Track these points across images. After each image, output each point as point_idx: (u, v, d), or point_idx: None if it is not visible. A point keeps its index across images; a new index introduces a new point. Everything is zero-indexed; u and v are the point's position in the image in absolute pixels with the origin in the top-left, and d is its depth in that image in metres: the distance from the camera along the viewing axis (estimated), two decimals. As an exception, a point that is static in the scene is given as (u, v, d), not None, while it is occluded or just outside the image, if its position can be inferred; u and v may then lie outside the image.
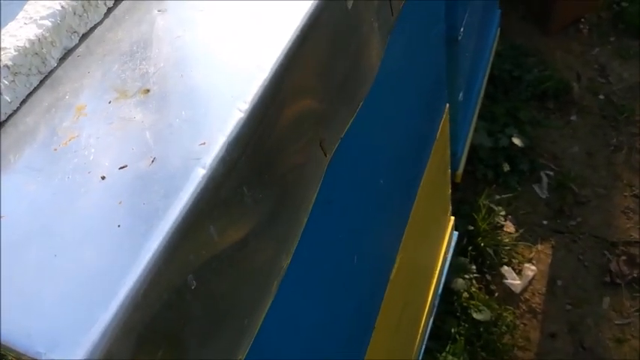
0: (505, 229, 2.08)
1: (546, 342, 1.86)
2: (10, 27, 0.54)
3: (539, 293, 1.95)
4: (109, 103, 0.52)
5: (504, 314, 1.89)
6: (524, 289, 1.96)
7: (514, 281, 1.96)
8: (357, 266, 0.93)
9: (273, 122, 0.53)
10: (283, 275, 0.59)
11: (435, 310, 1.65)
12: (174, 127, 0.49)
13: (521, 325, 1.89)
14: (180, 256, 0.43)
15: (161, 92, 0.52)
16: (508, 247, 2.03)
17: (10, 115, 0.53)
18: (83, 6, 0.58)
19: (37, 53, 0.54)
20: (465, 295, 1.91)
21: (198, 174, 0.45)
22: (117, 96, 0.52)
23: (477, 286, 1.95)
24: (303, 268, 0.67)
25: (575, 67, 2.51)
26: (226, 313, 0.50)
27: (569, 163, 2.23)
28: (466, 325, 1.85)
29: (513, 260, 2.02)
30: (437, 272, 1.64)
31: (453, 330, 1.83)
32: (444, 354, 1.79)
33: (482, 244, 2.00)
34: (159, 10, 0.61)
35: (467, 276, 1.94)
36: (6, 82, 0.51)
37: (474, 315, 1.86)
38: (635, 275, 1.95)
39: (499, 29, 2.25)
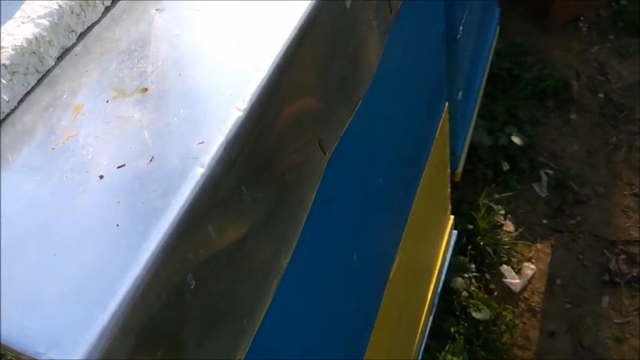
0: (504, 228, 2.08)
1: (546, 341, 1.86)
2: (8, 26, 0.54)
3: (538, 292, 1.95)
4: (107, 102, 0.52)
5: (504, 313, 1.89)
6: (524, 288, 1.96)
7: (513, 280, 1.96)
8: (357, 265, 0.93)
9: (271, 121, 0.53)
10: (282, 274, 0.59)
11: (434, 309, 1.65)
12: (173, 126, 0.49)
13: (521, 324, 1.89)
14: (178, 256, 0.43)
15: (159, 91, 0.52)
16: (507, 246, 2.03)
17: (8, 115, 0.52)
18: (81, 5, 0.58)
19: (34, 52, 0.53)
20: (465, 294, 1.91)
21: (197, 173, 0.45)
22: (115, 95, 0.52)
23: (476, 285, 1.95)
24: (303, 268, 0.67)
25: (575, 65, 2.51)
26: (225, 312, 0.50)
27: (569, 162, 2.23)
28: (465, 324, 1.85)
29: (513, 259, 2.02)
30: (436, 271, 1.64)
31: (452, 329, 1.83)
32: (443, 353, 1.79)
33: (481, 243, 2.00)
34: (157, 9, 0.60)
35: (466, 275, 1.94)
36: (4, 81, 0.51)
37: (474, 314, 1.86)
38: (635, 274, 1.95)
39: (498, 28, 2.25)
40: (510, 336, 1.86)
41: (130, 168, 0.46)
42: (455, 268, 1.90)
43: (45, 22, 0.54)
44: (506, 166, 2.18)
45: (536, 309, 1.92)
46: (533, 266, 1.99)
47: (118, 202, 0.44)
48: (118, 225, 0.43)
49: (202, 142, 0.47)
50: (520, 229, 2.07)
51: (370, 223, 0.99)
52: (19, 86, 0.53)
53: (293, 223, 0.61)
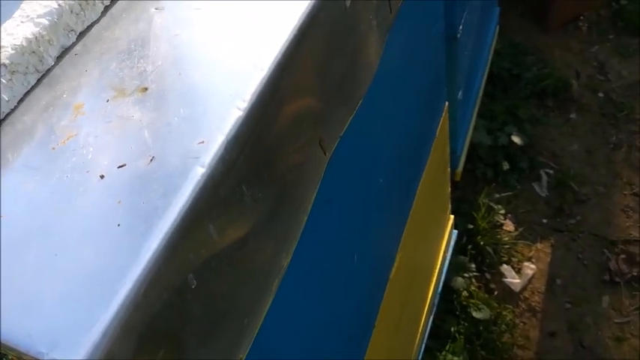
0: (505, 227, 2.08)
1: (546, 341, 1.86)
2: (8, 25, 0.53)
3: (538, 292, 1.95)
4: (107, 101, 0.51)
5: (504, 313, 1.89)
6: (524, 288, 1.96)
7: (513, 280, 1.96)
8: (357, 265, 0.93)
9: (271, 121, 0.53)
10: (283, 275, 0.59)
11: (434, 308, 1.65)
12: (173, 125, 0.49)
13: (521, 324, 1.89)
14: (180, 256, 0.43)
15: (159, 91, 0.52)
16: (508, 246, 2.03)
17: (8, 114, 0.52)
18: (80, 4, 0.58)
19: (34, 51, 0.53)
20: (465, 293, 1.91)
21: (198, 173, 0.45)
22: (115, 94, 0.52)
23: (476, 284, 1.95)
24: (303, 268, 0.67)
25: (575, 64, 2.51)
26: (226, 312, 0.50)
27: (569, 162, 2.23)
28: (466, 324, 1.85)
29: (513, 259, 2.02)
30: (436, 271, 1.64)
31: (452, 329, 1.83)
32: (443, 353, 1.79)
33: (481, 243, 2.00)
34: (156, 9, 0.60)
35: (466, 275, 1.94)
36: (3, 81, 0.51)
37: (474, 314, 1.86)
38: (635, 274, 1.95)
39: (498, 27, 2.25)
40: (510, 336, 1.86)
41: (130, 168, 0.46)
42: (455, 268, 1.90)
43: (44, 21, 0.54)
44: (506, 166, 2.18)
45: (537, 309, 1.92)
46: (533, 266, 1.99)
47: (119, 202, 0.44)
48: (119, 225, 0.42)
49: (203, 142, 0.47)
50: (520, 229, 2.07)
51: (371, 223, 0.99)
52: (18, 86, 0.53)
53: (293, 223, 0.61)
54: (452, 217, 1.74)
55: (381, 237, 1.08)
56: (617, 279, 1.95)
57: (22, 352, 0.38)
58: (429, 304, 1.59)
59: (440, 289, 1.68)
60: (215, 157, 0.46)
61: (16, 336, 0.39)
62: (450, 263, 1.75)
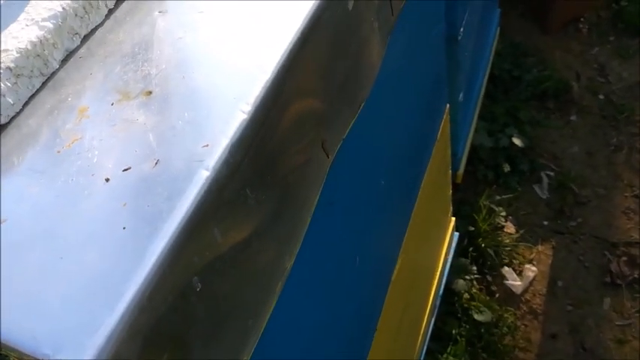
0: (505, 229, 2.08)
1: (547, 343, 1.86)
2: (12, 28, 0.54)
3: (539, 294, 1.95)
4: (112, 104, 0.52)
5: (505, 315, 1.89)
6: (525, 290, 1.96)
7: (515, 282, 1.96)
8: (359, 267, 0.93)
9: (275, 124, 0.53)
10: (287, 277, 0.59)
11: (436, 311, 1.65)
12: (177, 129, 0.49)
13: (522, 326, 1.89)
14: (184, 258, 0.43)
15: (163, 94, 0.52)
16: (509, 248, 2.03)
17: (13, 117, 0.53)
18: (84, 7, 0.58)
19: (38, 55, 0.54)
20: (466, 296, 1.91)
21: (202, 176, 0.45)
22: (119, 98, 0.52)
23: (477, 287, 1.95)
24: (306, 270, 0.67)
25: (575, 66, 2.51)
26: (231, 314, 0.50)
27: (570, 163, 2.23)
28: (467, 327, 1.85)
29: (514, 261, 2.02)
30: (438, 273, 1.64)
31: (454, 331, 1.83)
32: (445, 355, 1.79)
33: (482, 245, 2.00)
34: (160, 12, 0.60)
35: (467, 277, 1.94)
36: (8, 84, 0.51)
37: (475, 316, 1.86)
38: (636, 276, 1.95)
39: (499, 28, 2.25)
40: (512, 338, 1.86)
41: (135, 171, 0.46)
42: (456, 270, 1.90)
43: (49, 24, 0.54)
44: (507, 168, 2.18)
45: (538, 311, 1.92)
46: (534, 268, 1.99)
47: (124, 205, 0.44)
48: (124, 228, 0.43)
49: (207, 145, 0.47)
50: (521, 231, 2.07)
51: (373, 225, 0.99)
52: (23, 89, 0.53)
53: (297, 226, 0.61)
54: (453, 219, 1.74)
55: (382, 239, 1.08)
56: (618, 281, 1.95)
57: (27, 353, 0.38)
58: (431, 307, 1.59)
59: (441, 291, 1.68)
60: (219, 161, 0.46)
61: (21, 338, 0.39)
62: (451, 265, 1.75)
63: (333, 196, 0.71)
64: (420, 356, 1.55)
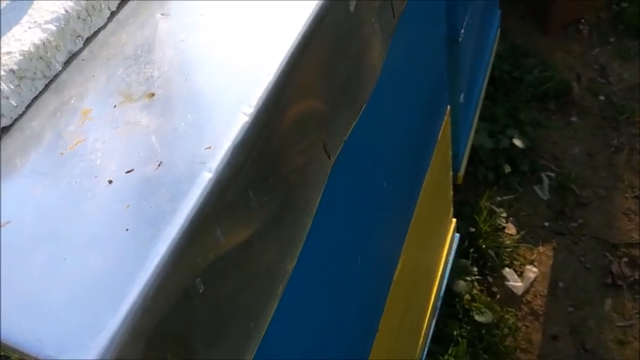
0: (506, 230, 2.08)
1: (548, 344, 1.86)
2: (15, 31, 0.54)
3: (540, 295, 1.95)
4: (115, 107, 0.52)
5: (506, 316, 1.89)
6: (526, 291, 1.96)
7: (516, 283, 1.96)
8: (361, 268, 0.93)
9: (277, 125, 0.53)
10: (289, 278, 0.59)
11: (437, 312, 1.65)
12: (180, 130, 0.49)
13: (523, 327, 1.89)
14: (187, 260, 0.43)
15: (166, 96, 0.52)
16: (509, 249, 2.03)
17: (16, 120, 0.53)
18: (87, 10, 0.58)
19: (41, 57, 0.54)
20: (467, 297, 1.91)
21: (205, 178, 0.45)
22: (122, 100, 0.52)
23: (478, 288, 1.95)
24: (308, 271, 0.67)
25: (576, 67, 2.51)
26: (233, 316, 0.50)
27: (570, 164, 2.23)
28: (468, 328, 1.85)
29: (515, 262, 2.02)
30: (439, 274, 1.64)
31: (455, 332, 1.83)
32: (446, 356, 1.79)
33: (483, 246, 2.00)
34: (162, 14, 0.61)
35: (468, 278, 1.94)
36: (11, 87, 0.51)
37: (476, 317, 1.86)
38: (637, 277, 1.95)
39: (499, 30, 2.25)
40: (513, 339, 1.86)
41: (138, 173, 0.46)
42: (457, 271, 1.90)
43: (52, 27, 0.55)
44: (507, 169, 2.18)
45: (539, 312, 1.92)
46: (535, 269, 1.99)
47: (127, 207, 0.44)
48: (127, 230, 0.43)
49: (209, 147, 0.47)
50: (522, 232, 2.07)
51: (374, 226, 0.99)
52: (26, 91, 0.53)
53: (298, 227, 0.61)
54: (454, 220, 1.74)
55: (384, 240, 1.08)
56: (619, 282, 1.95)
57: (30, 355, 0.39)
58: (432, 308, 1.59)
59: (442, 292, 1.68)
60: (222, 163, 0.46)
61: (25, 339, 0.39)
62: (452, 267, 1.75)
63: (334, 197, 0.71)
64: (421, 357, 1.55)
